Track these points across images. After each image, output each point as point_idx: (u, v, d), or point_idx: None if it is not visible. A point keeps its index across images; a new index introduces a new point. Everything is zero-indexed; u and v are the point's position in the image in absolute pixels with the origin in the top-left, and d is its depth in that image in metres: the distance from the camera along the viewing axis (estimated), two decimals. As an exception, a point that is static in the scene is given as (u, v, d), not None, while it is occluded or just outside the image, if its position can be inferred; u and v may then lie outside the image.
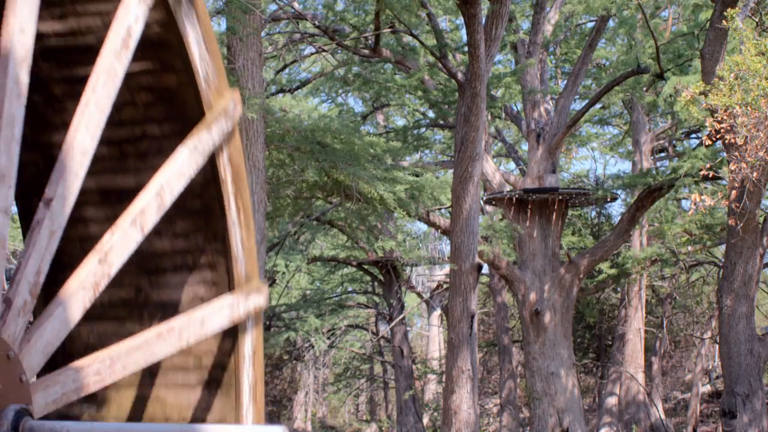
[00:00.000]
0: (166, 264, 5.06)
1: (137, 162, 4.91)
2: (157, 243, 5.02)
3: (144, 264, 5.07)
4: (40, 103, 4.97)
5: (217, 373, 5.02)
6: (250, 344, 4.94)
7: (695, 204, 11.19)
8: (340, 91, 23.90)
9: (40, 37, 4.65)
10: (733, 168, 11.44)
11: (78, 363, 3.82)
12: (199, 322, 4.49)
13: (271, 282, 25.13)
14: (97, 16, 4.59)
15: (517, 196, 19.67)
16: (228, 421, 4.90)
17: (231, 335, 4.94)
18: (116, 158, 4.97)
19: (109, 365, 3.92)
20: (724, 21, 11.90)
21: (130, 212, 4.12)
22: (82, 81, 4.31)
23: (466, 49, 15.66)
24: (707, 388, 29.82)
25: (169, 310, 5.05)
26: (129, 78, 4.66)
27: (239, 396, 4.90)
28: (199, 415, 5.06)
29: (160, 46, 4.61)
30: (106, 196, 5.00)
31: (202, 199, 4.89)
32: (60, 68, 4.86)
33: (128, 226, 4.07)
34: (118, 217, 4.19)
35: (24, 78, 3.56)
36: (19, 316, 3.53)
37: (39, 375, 3.86)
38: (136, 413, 5.17)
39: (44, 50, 4.79)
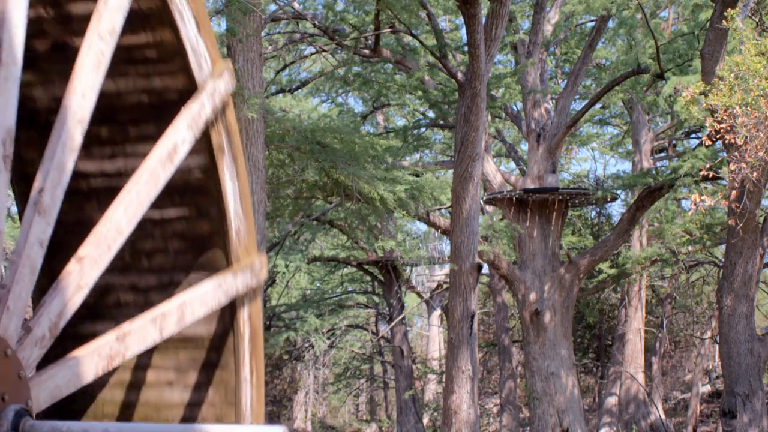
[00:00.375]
0: (174, 416, 5.12)
1: None
2: (167, 394, 5.11)
3: (152, 415, 5.16)
4: (77, 243, 5.09)
5: None
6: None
7: (695, 204, 11.19)
8: (340, 91, 23.89)
9: (85, 176, 4.89)
10: (733, 168, 11.43)
11: (87, 423, 3.91)
12: None
13: (271, 282, 25.13)
14: (144, 157, 4.75)
15: (517, 196, 19.66)
16: None
17: None
18: (141, 306, 5.10)
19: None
20: (724, 21, 11.90)
21: (152, 311, 4.24)
22: None
23: (466, 49, 15.65)
24: (707, 388, 29.81)
25: None
26: (164, 224, 4.87)
27: None
28: None
29: (199, 192, 4.79)
30: None
31: (218, 352, 5.01)
32: (102, 209, 4.97)
33: (149, 321, 4.18)
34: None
35: (78, 137, 3.77)
36: (35, 346, 3.62)
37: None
38: None
39: (89, 190, 4.94)
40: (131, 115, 4.78)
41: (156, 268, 5.03)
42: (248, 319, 4.90)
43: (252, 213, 4.91)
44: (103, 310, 5.13)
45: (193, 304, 4.43)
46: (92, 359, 3.87)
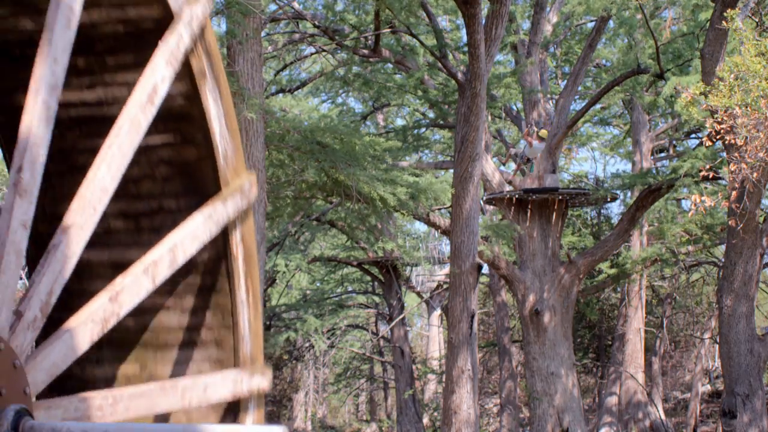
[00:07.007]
0: (173, 340, 5.10)
1: (152, 236, 4.98)
2: (164, 318, 5.09)
3: (151, 339, 5.14)
4: (60, 172, 5.03)
5: None
6: (251, 423, 5.00)
7: (695, 204, 11.19)
8: (340, 91, 23.90)
9: (66, 106, 4.80)
10: (733, 169, 11.43)
11: (84, 394, 3.90)
12: (203, 387, 4.57)
13: (271, 282, 25.13)
14: (124, 86, 4.72)
15: (517, 196, 19.66)
16: None
17: (232, 413, 5.01)
18: (131, 232, 5.07)
19: (111, 403, 4.00)
20: (724, 21, 11.90)
21: (143, 261, 4.20)
22: None
23: (466, 49, 15.65)
24: (707, 388, 29.81)
25: None
26: (149, 151, 4.80)
27: None
28: None
29: (182, 118, 4.72)
30: (117, 270, 5.05)
31: (212, 275, 4.98)
32: (84, 138, 4.94)
33: (140, 273, 4.15)
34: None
35: (54, 105, 3.73)
36: (28, 329, 3.59)
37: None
38: None
39: (70, 119, 4.88)
40: (108, 45, 4.67)
41: (144, 195, 4.96)
42: (241, 241, 4.84)
43: (239, 134, 4.84)
44: (93, 237, 5.01)
45: (184, 243, 4.39)
46: (86, 327, 3.84)
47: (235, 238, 4.82)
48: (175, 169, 4.87)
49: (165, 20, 4.46)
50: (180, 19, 4.42)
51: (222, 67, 4.71)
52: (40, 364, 3.65)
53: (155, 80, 4.23)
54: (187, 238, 4.42)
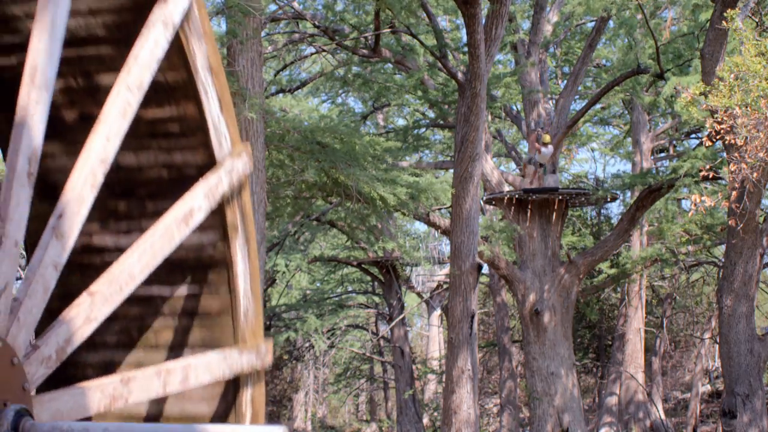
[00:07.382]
0: None
1: None
2: None
3: None
4: None
5: None
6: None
7: (695, 204, 11.19)
8: (340, 91, 23.89)
9: (100, 251, 4.93)
10: (733, 169, 11.43)
11: (87, 423, 3.92)
12: None
13: (271, 282, 25.14)
14: None
15: (517, 196, 19.67)
16: None
17: None
18: None
19: None
20: (724, 21, 11.89)
21: (158, 366, 4.26)
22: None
23: (466, 49, 15.65)
24: (707, 388, 29.81)
25: None
26: (174, 301, 4.91)
27: None
28: None
29: (210, 269, 4.83)
30: (128, 420, 5.12)
31: None
32: None
33: (153, 373, 4.21)
34: None
35: (100, 176, 3.86)
36: (41, 364, 3.65)
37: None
38: None
39: (104, 265, 4.92)
40: (150, 190, 4.83)
41: (162, 345, 5.05)
42: (251, 402, 4.91)
43: (261, 301, 4.94)
44: None
45: (197, 369, 4.46)
46: (96, 394, 3.89)
47: (246, 397, 4.88)
48: (196, 320, 4.96)
49: (207, 167, 4.64)
50: (222, 166, 4.61)
51: (253, 229, 4.85)
52: (47, 403, 3.68)
53: (192, 206, 4.37)
54: (201, 365, 4.48)
